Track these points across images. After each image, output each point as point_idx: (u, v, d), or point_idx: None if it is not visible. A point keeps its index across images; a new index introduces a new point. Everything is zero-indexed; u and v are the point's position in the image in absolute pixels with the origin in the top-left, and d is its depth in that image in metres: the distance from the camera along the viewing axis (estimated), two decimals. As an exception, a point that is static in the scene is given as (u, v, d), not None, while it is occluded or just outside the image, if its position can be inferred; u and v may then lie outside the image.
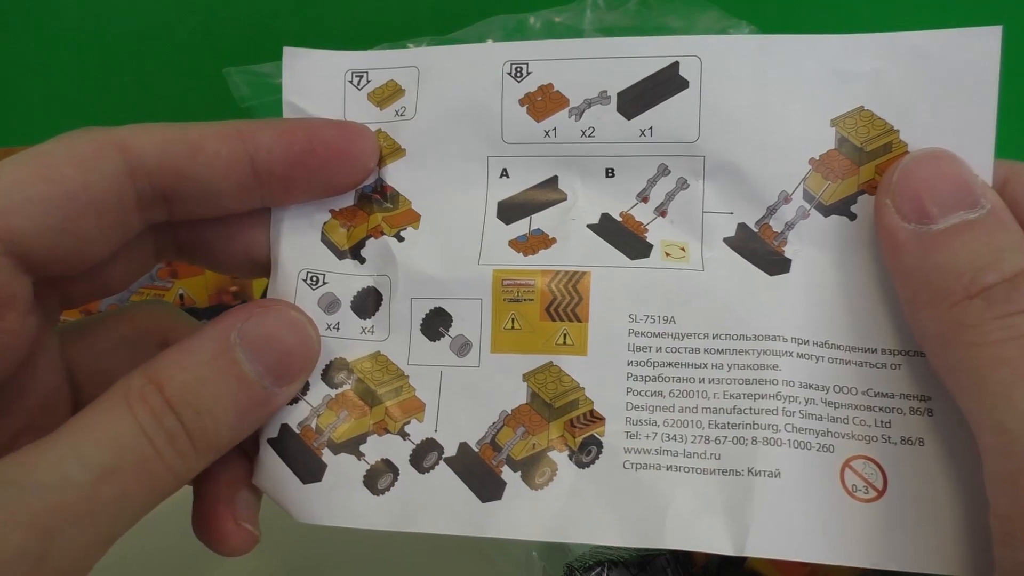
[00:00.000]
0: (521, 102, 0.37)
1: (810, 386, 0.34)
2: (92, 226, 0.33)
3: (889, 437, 0.34)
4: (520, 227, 0.37)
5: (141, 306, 0.40)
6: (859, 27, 0.35)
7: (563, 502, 0.35)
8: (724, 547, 0.33)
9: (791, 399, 0.34)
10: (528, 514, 0.35)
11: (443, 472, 0.36)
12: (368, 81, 0.38)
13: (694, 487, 0.34)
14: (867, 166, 0.34)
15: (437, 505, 0.35)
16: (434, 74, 0.37)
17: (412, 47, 0.43)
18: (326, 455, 0.36)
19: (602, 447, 0.35)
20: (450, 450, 0.36)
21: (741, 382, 0.34)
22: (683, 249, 0.36)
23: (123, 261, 0.37)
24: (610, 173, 0.37)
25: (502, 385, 0.36)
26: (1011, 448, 0.29)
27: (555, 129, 0.37)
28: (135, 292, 0.65)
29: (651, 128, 0.36)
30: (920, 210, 0.32)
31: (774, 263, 0.35)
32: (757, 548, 0.33)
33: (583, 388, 0.35)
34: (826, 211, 0.35)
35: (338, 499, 0.36)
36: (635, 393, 0.35)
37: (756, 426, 0.34)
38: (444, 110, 0.37)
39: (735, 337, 0.35)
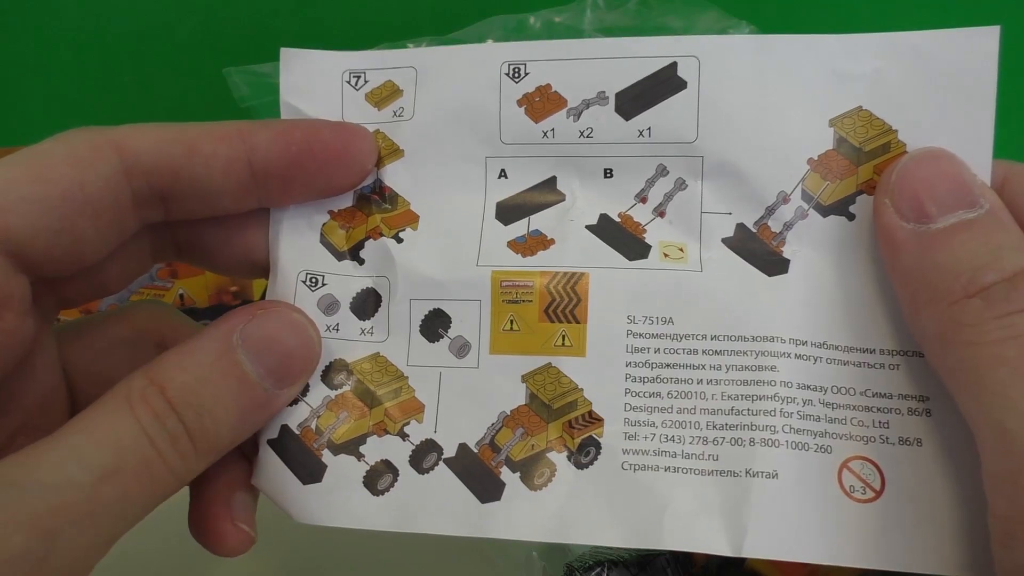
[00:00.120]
0: (519, 103, 0.37)
1: (808, 387, 0.34)
2: (88, 226, 0.33)
3: (887, 438, 0.34)
4: (519, 228, 0.37)
5: (139, 306, 0.40)
6: (858, 27, 0.35)
7: (562, 503, 0.35)
8: (722, 548, 0.33)
9: (789, 400, 0.34)
10: (527, 515, 0.35)
11: (442, 473, 0.36)
12: (366, 81, 0.38)
13: (692, 488, 0.34)
14: (865, 166, 0.34)
15: (437, 506, 0.36)
16: (432, 75, 0.37)
17: (411, 47, 0.43)
18: (326, 456, 0.36)
19: (600, 448, 0.35)
20: (449, 451, 0.36)
21: (739, 383, 0.34)
22: (681, 250, 0.36)
23: (120, 261, 0.37)
24: (608, 174, 0.37)
25: (501, 386, 0.36)
26: (1010, 448, 0.29)
27: (553, 130, 0.37)
28: (135, 292, 0.65)
29: (649, 128, 0.36)
30: (919, 209, 0.32)
31: (772, 263, 0.35)
32: (755, 549, 0.33)
33: (582, 389, 0.35)
34: (825, 211, 0.35)
35: (338, 500, 0.36)
36: (633, 394, 0.35)
37: (754, 427, 0.34)
38: (442, 111, 0.37)
39: (733, 338, 0.35)
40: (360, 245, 0.38)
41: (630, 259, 0.36)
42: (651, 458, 0.34)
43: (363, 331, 0.37)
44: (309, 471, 0.36)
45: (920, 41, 0.34)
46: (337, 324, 0.37)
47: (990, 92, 0.33)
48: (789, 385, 0.34)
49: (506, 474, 0.35)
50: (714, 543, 0.33)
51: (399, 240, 0.37)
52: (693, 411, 0.35)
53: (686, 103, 0.35)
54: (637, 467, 0.34)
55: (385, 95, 0.38)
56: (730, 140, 0.35)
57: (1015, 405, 0.28)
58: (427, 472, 0.36)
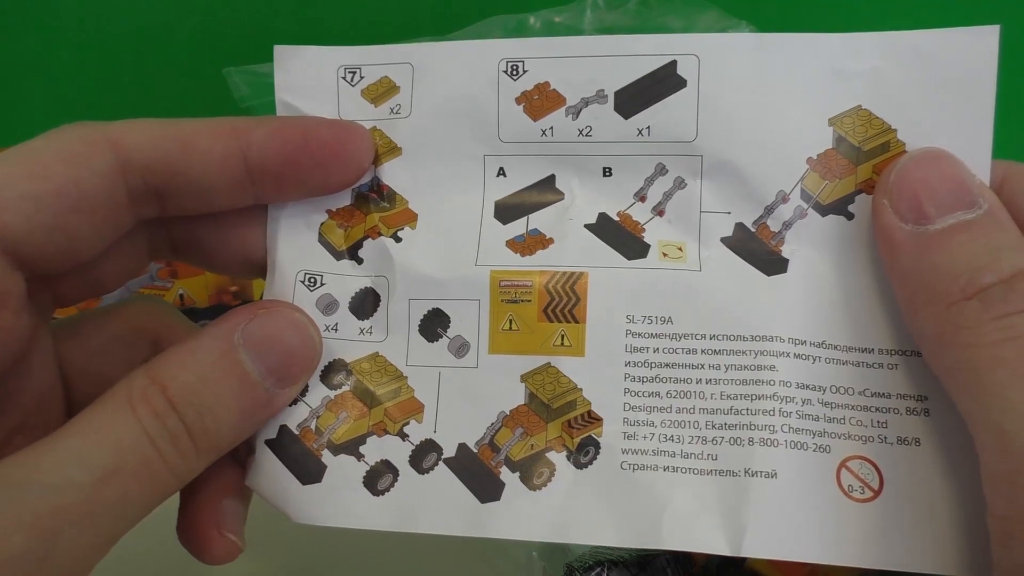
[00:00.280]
0: (517, 100, 0.37)
1: (807, 386, 0.34)
2: (84, 223, 0.33)
3: (885, 437, 0.34)
4: (517, 227, 0.37)
5: (133, 303, 0.40)
6: (859, 27, 0.35)
7: (561, 503, 0.35)
8: (721, 547, 0.33)
9: (788, 400, 0.34)
10: (526, 514, 0.35)
11: (442, 473, 0.36)
12: (361, 77, 0.38)
13: (691, 488, 0.34)
14: (865, 165, 0.34)
15: (436, 506, 0.36)
16: (429, 71, 0.37)
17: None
18: (326, 456, 0.36)
19: (600, 448, 0.35)
20: (449, 451, 0.36)
21: (738, 383, 0.34)
22: (680, 249, 0.36)
23: (117, 259, 0.37)
24: (607, 172, 0.37)
25: (500, 386, 0.36)
26: (1009, 448, 0.29)
27: (552, 128, 0.37)
28: (134, 292, 0.65)
29: (648, 127, 0.36)
30: (917, 210, 0.32)
31: (771, 263, 0.35)
32: (753, 548, 0.33)
33: (581, 389, 0.35)
34: (824, 211, 0.35)
35: (338, 500, 0.36)
36: (632, 394, 0.35)
37: (753, 427, 0.34)
38: (440, 108, 0.37)
39: (732, 338, 0.35)
40: (359, 244, 0.38)
41: (629, 258, 0.36)
42: (650, 458, 0.34)
43: (362, 331, 0.37)
44: (309, 471, 0.36)
45: (920, 40, 0.34)
46: (336, 324, 0.37)
47: (990, 92, 0.33)
48: (788, 385, 0.34)
49: (505, 474, 0.35)
50: (713, 543, 0.33)
51: (398, 239, 0.37)
52: (692, 411, 0.35)
53: (685, 102, 0.35)
54: (636, 467, 0.34)
55: (382, 91, 0.38)
56: (729, 139, 0.35)
57: (1014, 406, 0.28)
58: (427, 472, 0.36)
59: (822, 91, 0.35)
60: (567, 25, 0.51)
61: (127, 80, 0.65)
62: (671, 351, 0.35)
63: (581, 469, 0.35)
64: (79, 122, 0.33)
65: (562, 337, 0.36)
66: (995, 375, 0.29)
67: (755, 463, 0.34)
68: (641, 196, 0.36)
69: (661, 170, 0.36)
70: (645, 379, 0.35)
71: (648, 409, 0.35)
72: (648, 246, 0.36)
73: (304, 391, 0.37)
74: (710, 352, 0.35)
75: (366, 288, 0.38)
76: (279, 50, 0.38)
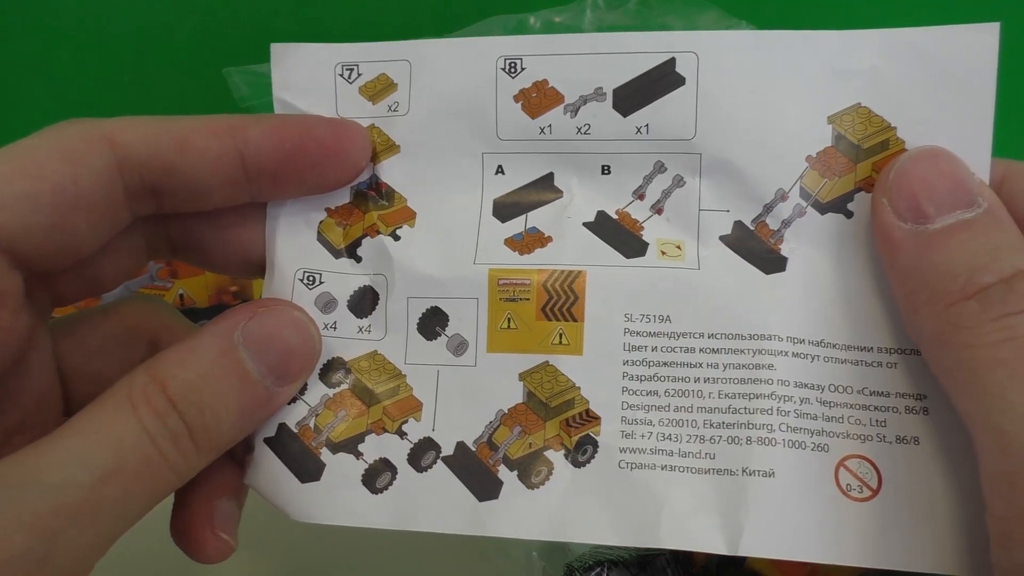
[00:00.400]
0: (516, 98, 0.37)
1: (805, 385, 0.34)
2: (81, 221, 0.33)
3: (884, 436, 0.34)
4: (516, 225, 0.37)
5: (131, 303, 0.40)
6: (859, 27, 0.35)
7: (559, 501, 0.35)
8: (718, 547, 0.33)
9: (786, 399, 0.34)
10: (524, 513, 0.35)
11: (441, 471, 0.36)
12: (359, 74, 0.38)
13: (689, 487, 0.34)
14: (864, 163, 0.34)
15: (435, 504, 0.36)
16: (427, 69, 0.37)
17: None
18: (325, 454, 0.36)
19: (598, 446, 0.35)
20: (447, 449, 0.36)
21: (736, 382, 0.34)
22: (679, 248, 0.36)
23: (115, 258, 0.37)
24: (606, 170, 0.37)
25: (498, 384, 0.36)
26: (1008, 449, 0.29)
27: (550, 126, 0.36)
28: (136, 292, 0.65)
29: (647, 125, 0.36)
30: (916, 209, 0.32)
31: (770, 261, 0.35)
32: (751, 547, 0.33)
33: (579, 388, 0.35)
34: (823, 209, 0.35)
35: (337, 498, 0.36)
36: (630, 392, 0.35)
37: (751, 426, 0.34)
38: (438, 106, 0.37)
39: (730, 336, 0.35)
40: (357, 243, 0.38)
41: (628, 257, 0.36)
42: (648, 456, 0.34)
43: (360, 329, 0.37)
44: (308, 469, 0.36)
45: (920, 38, 0.34)
46: (335, 322, 0.37)
47: (990, 89, 0.33)
48: (786, 384, 0.34)
49: (504, 472, 0.35)
50: (710, 542, 0.33)
51: (396, 238, 0.37)
52: (690, 410, 0.35)
53: (684, 100, 0.35)
54: (634, 466, 0.34)
55: (379, 89, 0.38)
56: (728, 137, 0.35)
57: (1012, 407, 0.28)
58: (425, 470, 0.36)
59: (821, 89, 0.35)
60: (567, 25, 0.51)
61: (127, 80, 0.65)
62: (669, 350, 0.35)
63: (579, 468, 0.35)
64: (75, 119, 0.33)
65: (560, 336, 0.36)
66: (994, 375, 0.29)
67: (753, 462, 0.34)
68: (640, 194, 0.36)
69: (660, 168, 0.36)
70: (643, 378, 0.35)
71: (646, 408, 0.35)
72: (647, 244, 0.36)
73: (303, 389, 0.37)
74: (708, 351, 0.35)
75: (365, 286, 0.38)
76: (276, 48, 0.38)
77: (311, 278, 0.38)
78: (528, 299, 0.36)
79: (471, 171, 0.37)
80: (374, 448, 0.36)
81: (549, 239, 0.37)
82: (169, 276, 0.66)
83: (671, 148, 0.36)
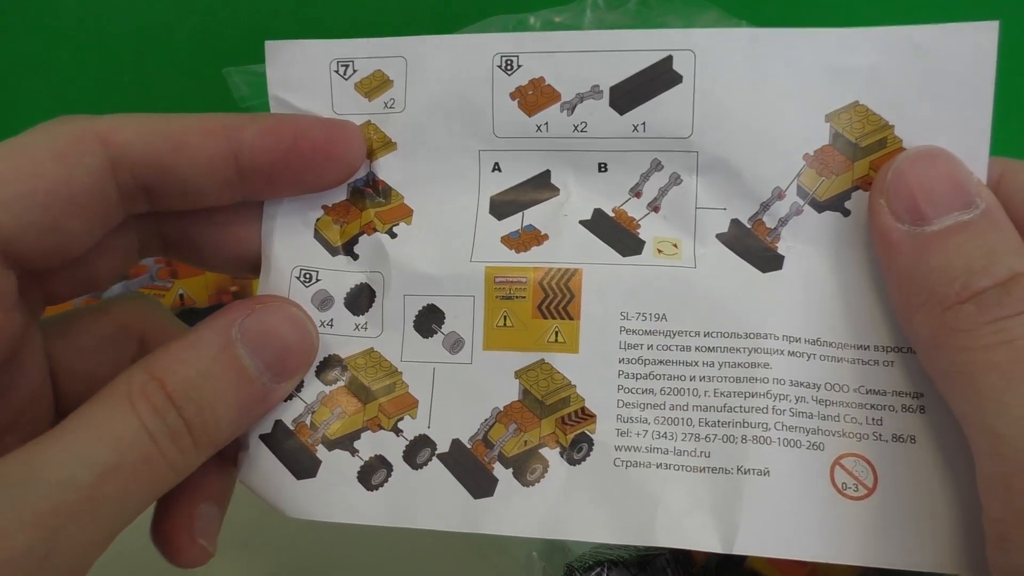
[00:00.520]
0: (512, 96, 0.36)
1: (801, 384, 0.34)
2: (75, 220, 0.32)
3: (880, 435, 0.33)
4: (512, 223, 0.37)
5: (122, 302, 0.40)
6: (859, 26, 0.35)
7: (554, 499, 0.35)
8: (713, 545, 0.33)
9: (781, 397, 0.34)
10: (520, 511, 0.35)
11: (436, 468, 0.36)
12: (354, 71, 0.38)
13: (684, 485, 0.34)
14: (861, 162, 0.34)
15: (430, 501, 0.36)
16: (422, 66, 0.37)
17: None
18: (320, 451, 0.36)
19: (593, 444, 0.35)
20: (443, 446, 0.36)
21: (732, 380, 0.34)
22: (675, 246, 0.36)
23: (107, 256, 0.37)
24: (603, 168, 0.37)
25: (494, 382, 0.36)
26: (1003, 452, 0.29)
27: (547, 124, 0.36)
28: (135, 292, 0.65)
29: (644, 123, 0.36)
30: (914, 210, 0.31)
31: (767, 260, 0.35)
32: (746, 546, 0.33)
33: (574, 385, 0.35)
34: (820, 207, 0.35)
35: (332, 495, 0.36)
36: (626, 391, 0.35)
37: (746, 424, 0.34)
38: (434, 103, 0.37)
39: (726, 335, 0.35)
40: (354, 240, 0.38)
41: (624, 255, 0.36)
42: (643, 455, 0.34)
43: (357, 326, 0.37)
44: (304, 466, 0.36)
45: (918, 35, 0.33)
46: (331, 320, 0.37)
47: (988, 88, 0.33)
48: (782, 382, 0.34)
49: (499, 470, 0.35)
50: (706, 540, 0.33)
51: (393, 235, 0.37)
52: (686, 408, 0.35)
53: (681, 98, 0.35)
54: (629, 464, 0.34)
55: (375, 85, 0.38)
56: (725, 135, 0.35)
57: (1007, 410, 0.28)
58: (421, 468, 0.36)
59: (819, 87, 0.34)
60: (567, 25, 0.51)
61: (127, 80, 0.65)
62: (665, 348, 0.35)
63: (574, 466, 0.35)
64: (69, 116, 0.33)
65: (556, 334, 0.36)
66: (988, 378, 0.29)
67: (748, 461, 0.34)
68: (636, 192, 0.36)
69: (657, 166, 0.36)
70: (639, 376, 0.35)
71: (641, 406, 0.35)
72: (643, 242, 0.36)
73: (299, 386, 0.37)
74: (704, 349, 0.35)
75: (361, 284, 0.38)
76: (270, 45, 0.38)
77: (307, 276, 0.38)
78: (524, 297, 0.36)
79: (468, 169, 0.37)
80: (370, 445, 0.36)
81: (545, 237, 0.37)
82: (169, 276, 0.66)
83: (668, 146, 0.36)
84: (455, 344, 0.36)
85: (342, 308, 0.38)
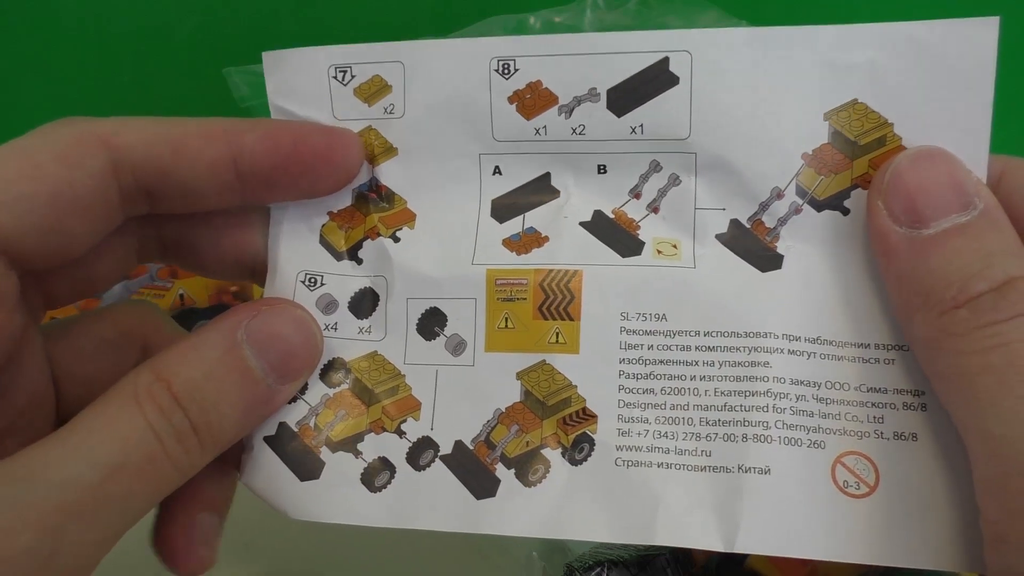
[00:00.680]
0: (510, 99, 0.37)
1: (801, 383, 0.34)
2: (76, 222, 0.33)
3: (881, 432, 0.33)
4: (513, 225, 0.37)
5: (122, 307, 0.40)
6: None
7: (556, 499, 0.35)
8: (715, 543, 0.33)
9: (782, 396, 0.34)
10: (522, 511, 0.35)
11: (439, 470, 0.36)
12: (352, 76, 0.38)
13: (685, 484, 0.34)
14: (861, 160, 0.34)
15: (433, 502, 0.36)
16: (420, 70, 0.37)
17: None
18: (324, 453, 0.36)
19: (594, 445, 0.35)
20: (445, 448, 0.36)
21: (732, 379, 0.34)
22: (675, 247, 0.36)
23: (107, 259, 0.37)
24: (602, 170, 0.37)
25: (496, 383, 0.36)
26: (998, 454, 0.29)
27: (545, 127, 0.37)
28: (135, 293, 0.65)
29: (642, 125, 0.36)
30: (911, 212, 0.31)
31: (766, 259, 0.35)
32: (747, 544, 0.33)
33: (575, 386, 0.35)
34: (819, 206, 0.35)
35: (336, 496, 0.36)
36: (627, 391, 0.35)
37: (747, 423, 0.34)
38: (433, 108, 0.37)
39: (726, 334, 0.35)
40: (359, 245, 0.38)
41: (624, 256, 0.36)
42: (644, 454, 0.34)
43: (361, 330, 0.38)
44: (307, 468, 0.36)
45: (917, 32, 0.33)
46: (335, 323, 0.38)
47: (988, 85, 0.33)
48: (782, 381, 0.34)
49: (501, 471, 0.35)
50: (707, 539, 0.33)
51: (396, 240, 0.38)
52: (686, 407, 0.35)
53: (678, 99, 0.35)
54: (630, 463, 0.34)
55: (374, 91, 0.38)
56: (723, 136, 0.35)
57: (1002, 412, 0.28)
58: (423, 469, 0.36)
59: (817, 85, 0.34)
60: (567, 25, 0.51)
61: (127, 80, 0.65)
62: (665, 348, 0.35)
63: (576, 466, 0.35)
64: (71, 118, 0.33)
65: (557, 335, 0.36)
66: (983, 381, 0.29)
67: (749, 459, 0.34)
68: (636, 193, 0.36)
69: (655, 167, 0.36)
70: (639, 376, 0.35)
71: (642, 406, 0.35)
72: (643, 243, 0.36)
73: (304, 389, 0.37)
74: (704, 349, 0.35)
75: (365, 288, 0.38)
76: (268, 56, 0.38)
77: (312, 280, 0.38)
78: (525, 299, 0.36)
79: (468, 172, 0.38)
80: (373, 447, 0.37)
81: (546, 239, 0.37)
82: (169, 276, 0.66)
83: (666, 147, 0.36)
84: (457, 346, 0.36)
85: (346, 312, 0.38)
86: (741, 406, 0.34)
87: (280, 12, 0.61)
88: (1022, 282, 0.29)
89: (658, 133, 0.36)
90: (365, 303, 0.38)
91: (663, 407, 0.35)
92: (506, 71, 0.36)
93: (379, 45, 0.38)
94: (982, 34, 0.33)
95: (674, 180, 0.36)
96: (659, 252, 0.36)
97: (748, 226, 0.35)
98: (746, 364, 0.34)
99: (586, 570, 0.50)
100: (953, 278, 0.30)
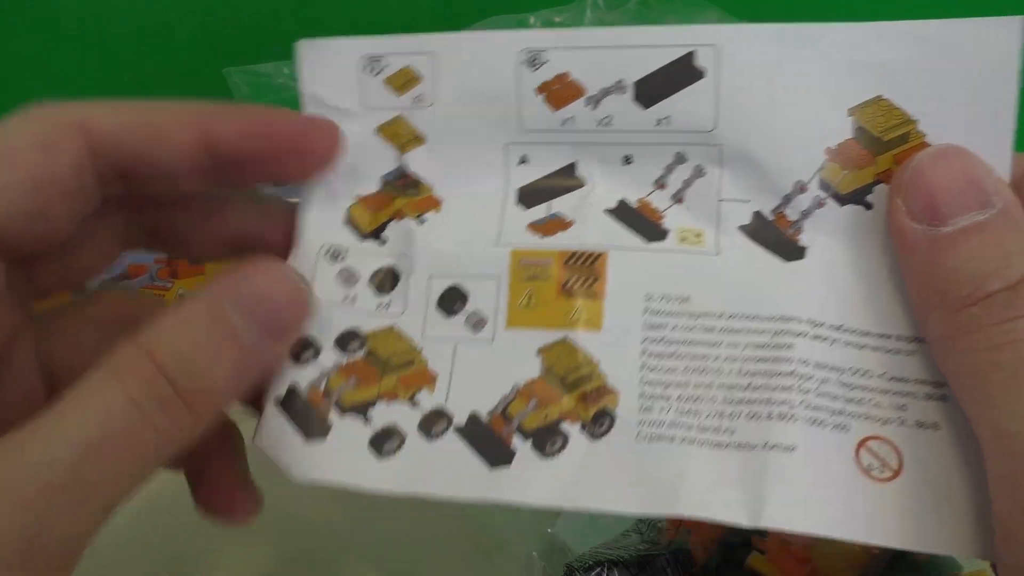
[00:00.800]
0: (538, 90, 0.37)
1: (825, 367, 0.34)
2: (58, 206, 0.33)
3: (904, 420, 0.33)
4: (539, 211, 0.38)
5: (111, 293, 0.40)
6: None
7: (574, 470, 0.34)
8: (739, 518, 0.33)
9: (806, 377, 0.34)
10: (537, 480, 0.34)
11: (451, 439, 0.36)
12: (384, 67, 0.38)
13: (709, 459, 0.34)
14: (884, 156, 0.35)
15: (443, 469, 0.35)
16: (450, 61, 0.38)
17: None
18: (333, 416, 0.36)
19: (615, 419, 0.35)
20: (460, 419, 0.36)
21: (756, 360, 0.34)
22: (699, 235, 0.36)
23: (91, 247, 0.37)
24: (628, 160, 0.37)
25: (516, 359, 0.36)
26: (1009, 449, 0.29)
27: (572, 118, 0.37)
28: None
29: (668, 117, 0.36)
30: (930, 210, 0.32)
31: (790, 250, 0.35)
32: (773, 520, 0.32)
33: (597, 363, 0.35)
34: (842, 200, 0.35)
35: (341, 458, 0.36)
36: (649, 369, 0.35)
37: (771, 402, 0.34)
38: (462, 98, 0.38)
39: (750, 317, 0.35)
40: (383, 226, 0.39)
41: (648, 241, 0.36)
42: (667, 429, 0.34)
43: (380, 305, 0.38)
44: (314, 429, 0.36)
45: (943, 30, 0.34)
46: (355, 296, 0.38)
47: (1012, 84, 0.33)
48: (806, 363, 0.34)
49: (517, 442, 0.35)
50: (731, 513, 0.33)
51: (422, 221, 0.38)
52: (710, 386, 0.35)
53: (704, 92, 0.35)
54: (652, 437, 0.34)
55: (404, 81, 0.38)
56: (748, 129, 0.35)
57: (1012, 409, 0.29)
58: (435, 438, 0.36)
59: (842, 81, 0.35)
60: (567, 25, 0.51)
61: (127, 80, 0.65)
62: (689, 329, 0.35)
63: (595, 440, 0.35)
64: (47, 104, 0.34)
65: (580, 312, 0.36)
66: (994, 378, 0.29)
67: (773, 436, 0.33)
68: (660, 184, 0.37)
69: (680, 159, 0.36)
70: (662, 355, 0.35)
71: (664, 384, 0.35)
72: (667, 231, 0.36)
73: (317, 353, 0.37)
74: (728, 331, 0.35)
75: (387, 267, 0.38)
76: (301, 44, 0.39)
77: (335, 254, 0.38)
78: (549, 277, 0.36)
79: (495, 161, 0.38)
80: (384, 414, 0.36)
81: (571, 223, 0.37)
82: (169, 276, 0.66)
83: (691, 140, 0.36)
84: (477, 323, 0.37)
85: (366, 287, 0.38)
86: (765, 386, 0.34)
87: (280, 12, 0.62)
88: None
89: (683, 125, 0.36)
90: (386, 281, 0.38)
91: (686, 386, 0.35)
92: (535, 63, 0.37)
93: (410, 37, 0.38)
94: (1006, 34, 0.33)
95: (698, 172, 0.36)
96: (683, 239, 0.36)
97: (771, 218, 0.36)
98: (770, 346, 0.34)
99: (586, 570, 0.50)
100: (968, 277, 0.30)
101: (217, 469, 0.37)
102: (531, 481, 0.35)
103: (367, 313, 0.38)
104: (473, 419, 0.36)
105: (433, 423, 0.36)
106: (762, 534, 0.47)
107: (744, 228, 0.36)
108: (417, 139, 0.38)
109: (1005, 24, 0.33)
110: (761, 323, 0.35)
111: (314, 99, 0.39)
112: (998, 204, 0.31)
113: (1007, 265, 0.30)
